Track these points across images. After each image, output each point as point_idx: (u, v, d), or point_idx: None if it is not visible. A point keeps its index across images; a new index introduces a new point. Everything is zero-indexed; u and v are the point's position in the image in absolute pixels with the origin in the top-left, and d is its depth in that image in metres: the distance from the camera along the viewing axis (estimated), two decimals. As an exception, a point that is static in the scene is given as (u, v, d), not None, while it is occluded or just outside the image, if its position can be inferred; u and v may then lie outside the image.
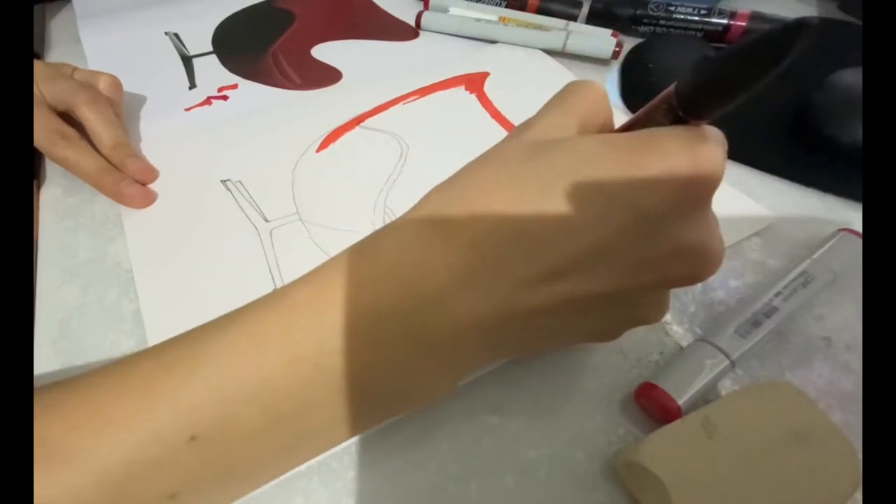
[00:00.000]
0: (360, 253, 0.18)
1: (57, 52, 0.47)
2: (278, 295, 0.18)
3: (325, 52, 0.47)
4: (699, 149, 0.16)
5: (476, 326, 0.17)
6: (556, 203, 0.17)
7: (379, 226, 0.30)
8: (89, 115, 0.33)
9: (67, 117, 0.33)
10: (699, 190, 0.17)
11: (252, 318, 0.18)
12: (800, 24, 0.13)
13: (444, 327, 0.17)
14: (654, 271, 0.17)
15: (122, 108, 0.37)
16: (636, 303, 0.19)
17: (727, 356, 0.24)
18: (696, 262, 0.18)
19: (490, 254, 0.17)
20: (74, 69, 0.36)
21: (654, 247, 0.17)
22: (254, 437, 0.17)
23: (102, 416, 0.16)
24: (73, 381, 0.17)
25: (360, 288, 0.17)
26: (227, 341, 0.17)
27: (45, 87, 0.33)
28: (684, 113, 0.17)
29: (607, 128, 0.20)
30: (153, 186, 0.34)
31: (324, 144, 0.37)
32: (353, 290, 0.17)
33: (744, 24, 0.43)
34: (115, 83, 0.36)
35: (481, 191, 0.18)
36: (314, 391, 0.17)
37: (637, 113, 0.19)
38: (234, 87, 0.42)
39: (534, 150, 0.18)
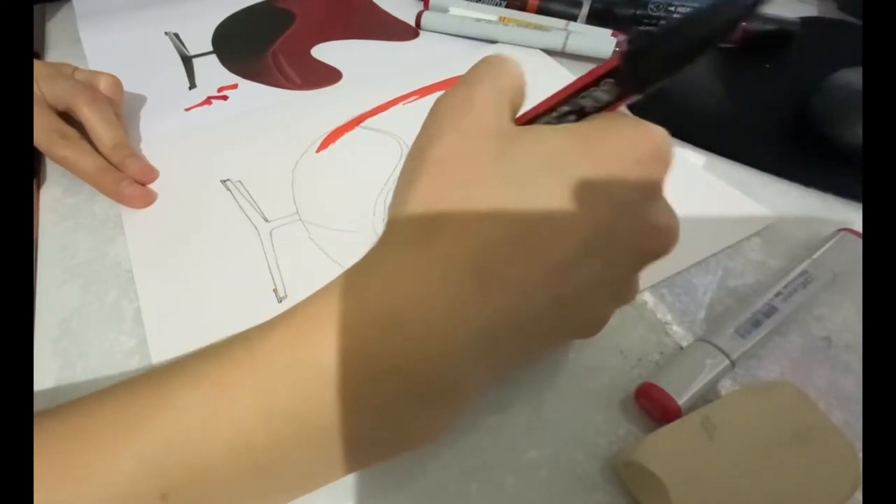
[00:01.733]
0: (344, 292, 0.16)
1: (57, 52, 0.47)
2: (253, 338, 0.17)
3: (325, 52, 0.47)
4: (651, 132, 0.17)
5: (474, 357, 0.17)
6: (541, 207, 0.17)
7: (379, 227, 0.30)
8: (89, 115, 0.33)
9: (67, 117, 0.33)
10: (660, 169, 0.18)
11: (224, 365, 0.16)
12: None
13: (441, 365, 0.16)
14: (634, 254, 0.18)
15: (123, 108, 0.37)
16: (619, 286, 0.19)
17: (727, 356, 0.24)
18: (664, 239, 0.19)
19: (491, 280, 0.16)
20: (75, 69, 0.36)
21: (633, 230, 0.18)
22: (230, 489, 0.16)
23: (66, 470, 0.15)
24: (37, 423, 0.15)
25: (345, 332, 0.16)
26: (197, 393, 0.16)
27: (45, 86, 0.33)
28: (632, 86, 0.17)
29: (523, 103, 0.21)
30: (153, 186, 0.34)
31: (324, 144, 0.37)
32: (337, 334, 0.16)
33: (743, 24, 0.43)
34: (116, 83, 0.36)
35: (461, 211, 0.17)
36: (295, 443, 0.16)
37: (564, 89, 0.18)
38: (234, 87, 0.42)
39: (494, 150, 0.17)
